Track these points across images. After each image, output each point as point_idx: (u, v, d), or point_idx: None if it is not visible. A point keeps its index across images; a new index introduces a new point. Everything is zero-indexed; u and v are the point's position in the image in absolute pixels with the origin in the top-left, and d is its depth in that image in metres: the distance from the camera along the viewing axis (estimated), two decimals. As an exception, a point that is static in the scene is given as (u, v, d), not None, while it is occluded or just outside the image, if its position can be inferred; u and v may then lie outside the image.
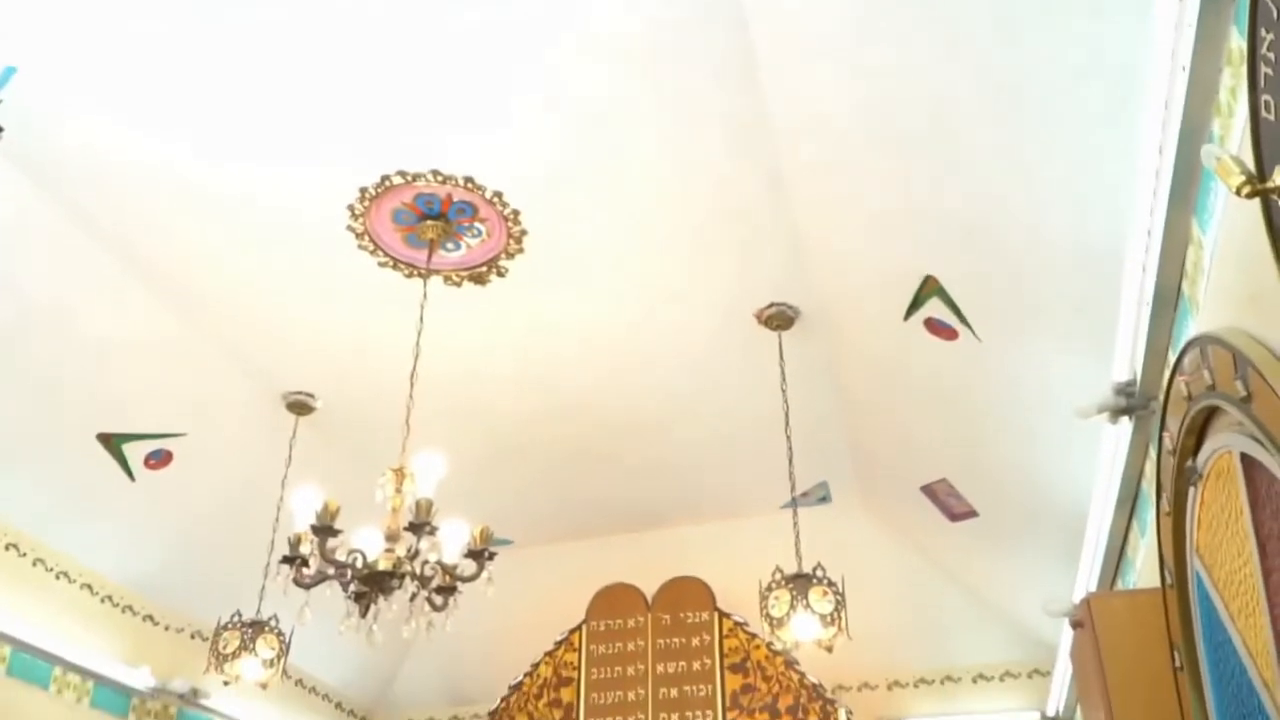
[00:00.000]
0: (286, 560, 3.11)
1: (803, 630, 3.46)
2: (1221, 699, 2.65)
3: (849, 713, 4.82)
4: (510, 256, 3.93)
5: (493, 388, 4.76)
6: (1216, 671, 2.64)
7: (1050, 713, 5.52)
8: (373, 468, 3.41)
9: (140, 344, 4.23)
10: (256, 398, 4.78)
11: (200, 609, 5.13)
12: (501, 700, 5.34)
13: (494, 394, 4.80)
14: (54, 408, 4.16)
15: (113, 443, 4.38)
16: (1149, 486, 3.34)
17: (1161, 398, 2.66)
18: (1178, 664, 2.88)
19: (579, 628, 5.42)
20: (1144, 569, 3.57)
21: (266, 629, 3.98)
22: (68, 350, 4.02)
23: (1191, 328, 2.55)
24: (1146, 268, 2.57)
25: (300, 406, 4.81)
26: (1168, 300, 2.64)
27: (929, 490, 5.05)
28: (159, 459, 4.60)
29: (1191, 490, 2.62)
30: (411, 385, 3.65)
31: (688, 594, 5.37)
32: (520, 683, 5.37)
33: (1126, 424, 3.13)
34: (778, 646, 3.55)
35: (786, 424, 4.20)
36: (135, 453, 4.51)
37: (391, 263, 3.97)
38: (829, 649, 3.54)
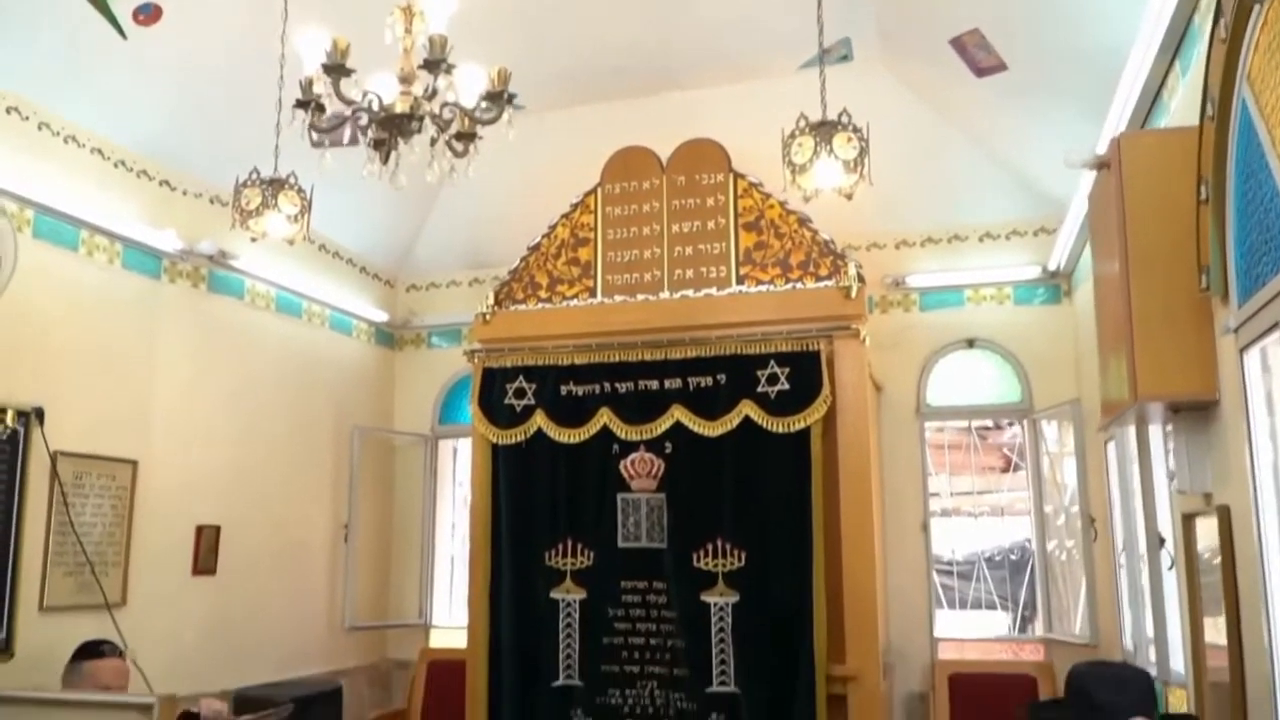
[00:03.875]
0: (300, 105, 3.02)
1: (825, 177, 3.44)
2: (1243, 228, 2.67)
3: (858, 266, 4.97)
4: None
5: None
6: (1244, 201, 2.65)
7: (1052, 267, 5.71)
8: (378, 9, 3.20)
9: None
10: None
11: (216, 173, 5.12)
12: (521, 260, 5.50)
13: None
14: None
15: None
16: (1201, 20, 3.17)
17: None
18: (1203, 196, 2.89)
19: (594, 191, 5.45)
20: (1178, 113, 3.49)
21: (286, 186, 3.97)
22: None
23: None
24: None
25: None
26: None
27: (958, 43, 4.82)
28: (148, 14, 4.34)
29: (1256, 8, 2.47)
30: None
31: (702, 156, 5.33)
32: (538, 244, 5.49)
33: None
34: (798, 194, 3.55)
35: (814, -34, 3.90)
36: (122, 7, 4.24)
37: None
38: (849, 196, 3.54)
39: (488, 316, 5.43)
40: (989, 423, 7.25)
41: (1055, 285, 5.82)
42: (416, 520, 6.72)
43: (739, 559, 4.81)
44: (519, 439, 5.20)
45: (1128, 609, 4.64)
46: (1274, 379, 2.61)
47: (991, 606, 6.95)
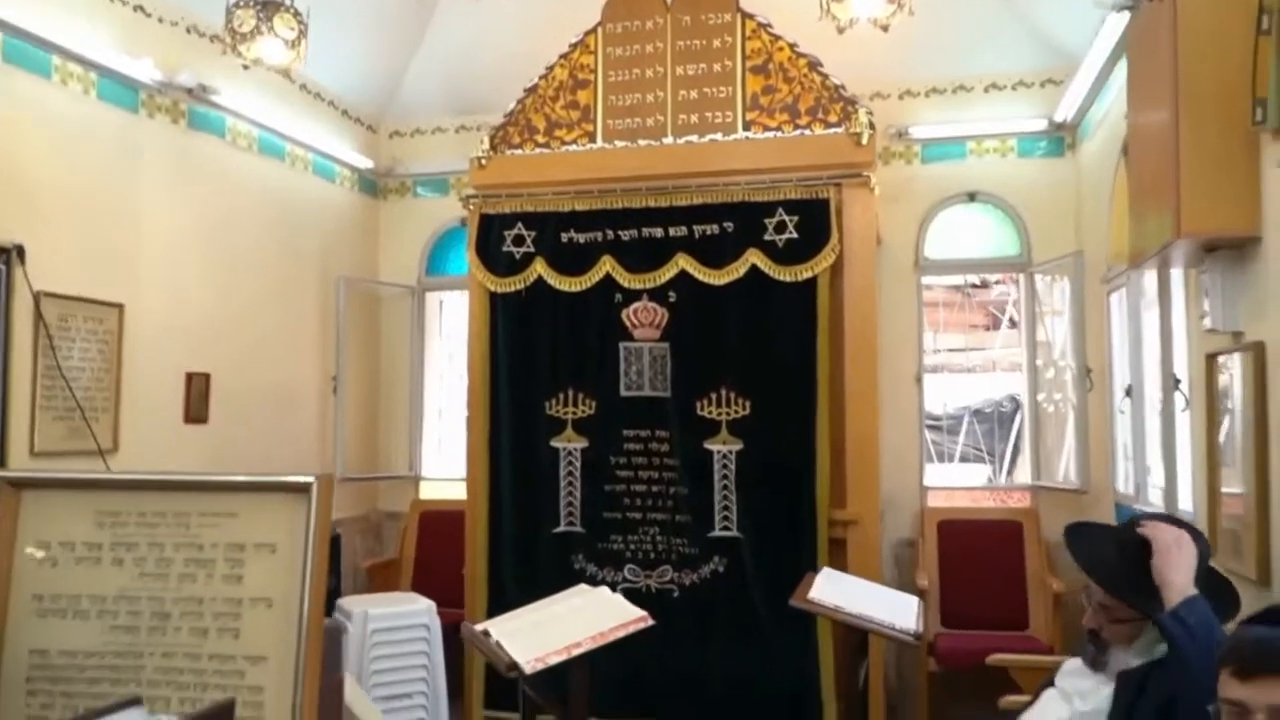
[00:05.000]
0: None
1: (864, 5, 3.29)
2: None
3: (869, 113, 4.83)
4: None
5: None
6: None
7: (1059, 119, 5.61)
8: None
9: None
10: None
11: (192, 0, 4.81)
12: (517, 103, 5.28)
13: None
14: None
15: None
16: None
17: None
18: (1264, 27, 2.80)
19: (594, 30, 5.20)
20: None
21: (282, 8, 3.73)
22: None
23: None
24: None
25: None
26: None
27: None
28: None
29: None
30: None
31: (709, -6, 5.09)
32: (535, 86, 5.26)
33: None
34: (831, 25, 3.40)
35: None
36: None
37: None
38: (885, 28, 3.41)
39: (483, 161, 5.24)
40: (976, 280, 7.29)
41: (1059, 138, 5.74)
42: (404, 373, 6.64)
43: (743, 407, 4.82)
44: (518, 287, 5.09)
45: (1122, 456, 4.74)
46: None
47: (977, 460, 7.13)
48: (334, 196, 6.35)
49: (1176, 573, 2.23)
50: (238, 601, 0.97)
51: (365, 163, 6.54)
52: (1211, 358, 3.22)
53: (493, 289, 5.13)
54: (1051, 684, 2.70)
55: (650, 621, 3.11)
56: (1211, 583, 2.31)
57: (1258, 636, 1.74)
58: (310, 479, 0.94)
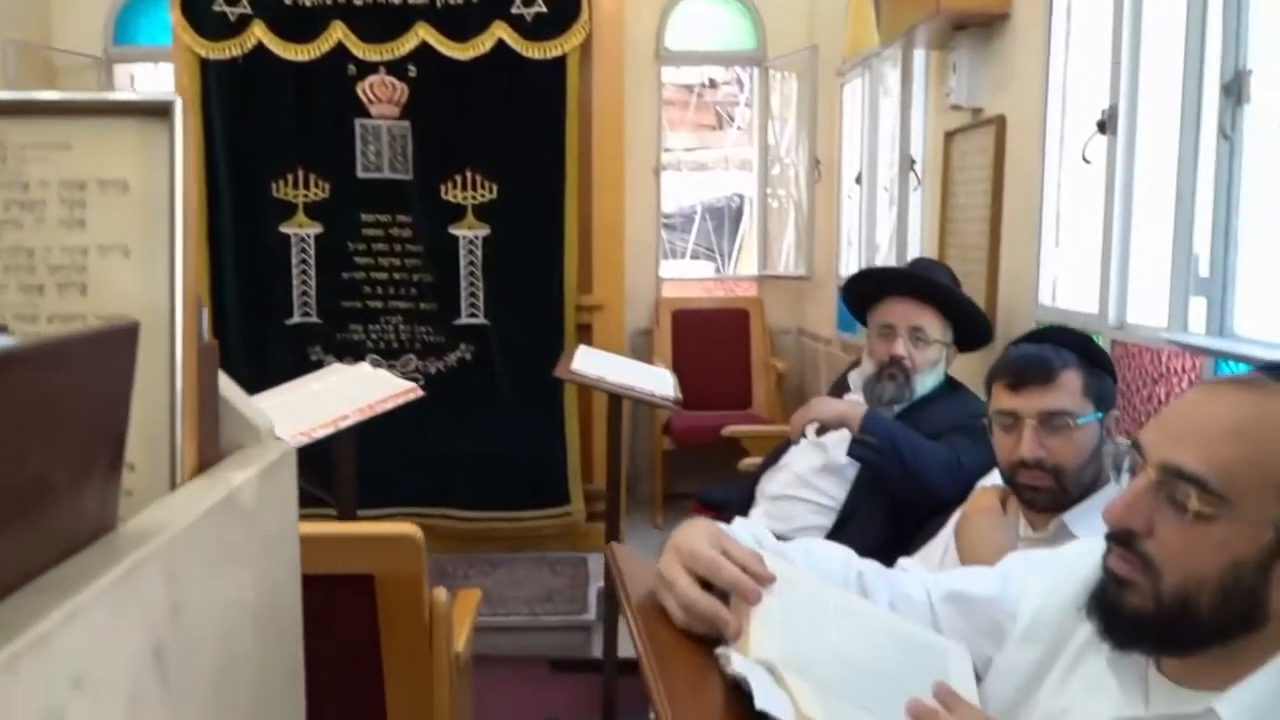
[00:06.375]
0: None
1: None
2: None
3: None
4: None
5: None
6: None
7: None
8: None
9: None
10: None
11: None
12: None
13: None
14: None
15: None
16: None
17: None
18: None
19: None
20: None
21: None
22: None
23: None
24: None
25: None
26: None
27: None
28: None
29: None
30: None
31: None
32: None
33: None
34: None
35: None
36: None
37: None
38: None
39: (185, -98, 4.55)
40: (705, 80, 7.39)
41: (796, -70, 5.79)
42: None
43: (490, 191, 4.66)
44: (234, 54, 4.55)
45: (846, 243, 5.08)
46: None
47: (708, 259, 7.40)
48: (-11, -62, 5.32)
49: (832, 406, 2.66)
50: (81, 251, 0.79)
51: (27, -100, 5.50)
52: (950, 135, 3.45)
53: (203, 54, 4.56)
54: (787, 447, 2.96)
55: (421, 393, 3.01)
56: (973, 318, 2.61)
57: (1024, 352, 1.92)
58: (171, 98, 0.76)
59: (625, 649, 3.36)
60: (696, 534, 1.11)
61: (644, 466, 5.70)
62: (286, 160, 4.64)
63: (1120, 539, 1.04)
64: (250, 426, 0.95)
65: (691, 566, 1.07)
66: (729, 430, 4.55)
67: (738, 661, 0.94)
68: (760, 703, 0.88)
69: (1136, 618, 1.02)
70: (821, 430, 2.65)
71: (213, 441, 0.90)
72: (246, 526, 0.85)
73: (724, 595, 1.05)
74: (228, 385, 0.94)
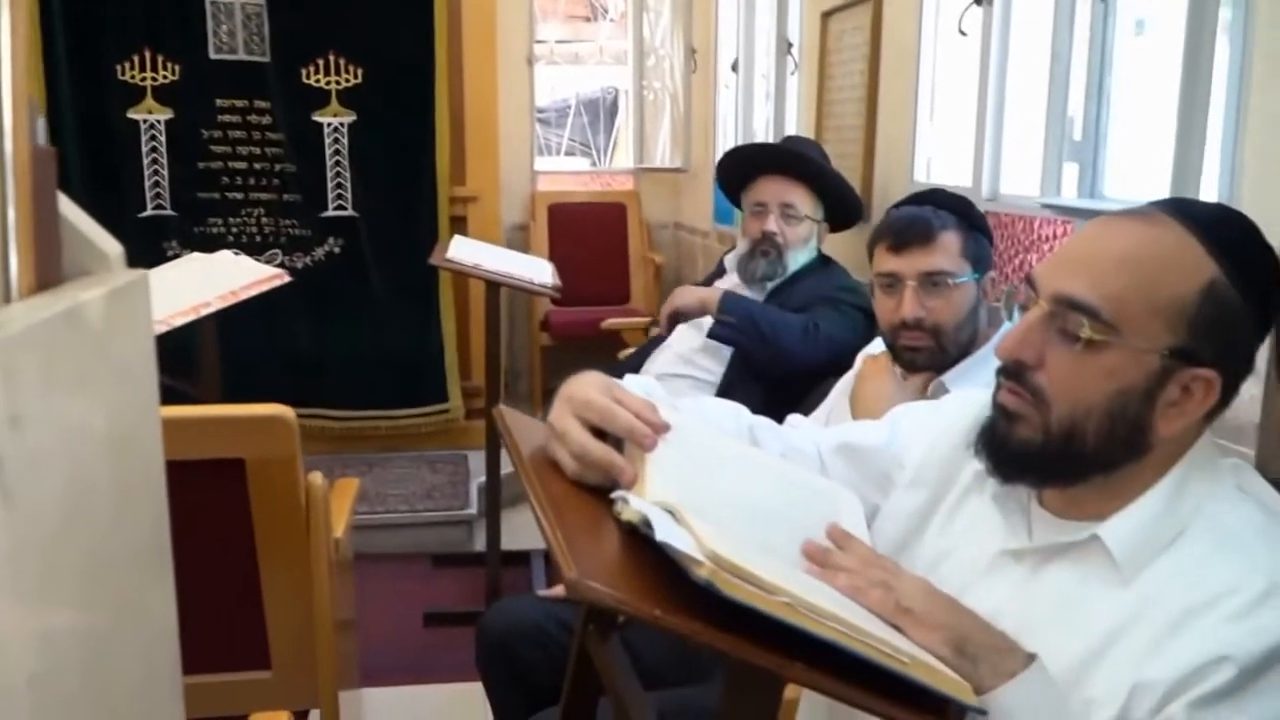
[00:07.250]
0: None
1: None
2: None
3: None
4: None
5: None
6: None
7: None
8: None
9: None
10: None
11: None
12: None
13: None
14: None
15: None
16: None
17: None
18: None
19: None
20: None
21: None
22: None
23: None
24: None
25: None
26: None
27: None
28: None
29: None
30: None
31: None
32: None
33: None
34: None
35: None
36: None
37: None
38: None
39: None
40: (579, -31, 7.14)
41: None
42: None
43: (355, 75, 4.44)
44: (66, -81, 4.16)
45: (722, 133, 5.04)
46: None
47: (584, 155, 7.26)
48: None
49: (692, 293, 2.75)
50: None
51: None
52: (828, 14, 3.42)
53: (31, -80, 4.15)
54: (660, 341, 3.01)
55: (288, 277, 2.87)
56: (843, 193, 2.65)
57: (905, 214, 1.93)
58: None
59: (509, 542, 3.36)
60: (588, 383, 1.07)
61: (523, 363, 5.65)
62: (132, 40, 4.30)
63: (1011, 372, 1.05)
64: (98, 252, 0.86)
65: (584, 415, 1.03)
66: (609, 323, 4.53)
67: (636, 503, 0.92)
68: (661, 535, 0.86)
69: (1024, 449, 1.04)
70: (677, 319, 2.76)
71: (54, 261, 0.81)
72: (95, 351, 0.77)
73: (617, 445, 1.02)
74: (69, 206, 0.85)
